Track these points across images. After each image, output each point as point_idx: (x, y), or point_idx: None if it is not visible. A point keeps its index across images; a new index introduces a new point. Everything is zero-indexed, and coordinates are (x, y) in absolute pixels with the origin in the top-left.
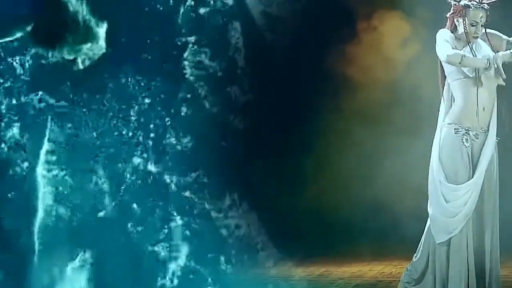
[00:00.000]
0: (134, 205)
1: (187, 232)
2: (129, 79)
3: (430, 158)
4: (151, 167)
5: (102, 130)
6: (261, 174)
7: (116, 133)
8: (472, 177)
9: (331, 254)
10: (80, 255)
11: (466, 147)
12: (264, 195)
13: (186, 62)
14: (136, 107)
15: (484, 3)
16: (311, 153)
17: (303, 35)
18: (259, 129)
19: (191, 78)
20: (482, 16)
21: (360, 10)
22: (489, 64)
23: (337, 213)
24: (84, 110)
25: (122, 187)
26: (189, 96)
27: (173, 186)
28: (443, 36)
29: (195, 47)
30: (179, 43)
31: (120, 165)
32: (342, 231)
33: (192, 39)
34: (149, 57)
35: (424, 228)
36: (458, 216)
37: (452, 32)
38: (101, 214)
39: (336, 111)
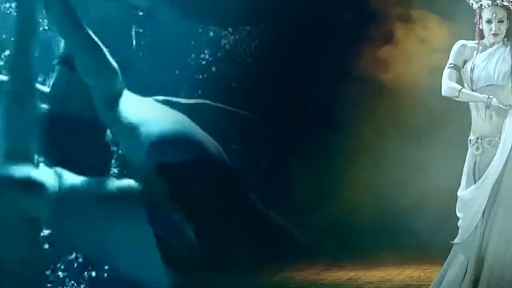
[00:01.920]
0: None
1: None
2: None
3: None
4: None
5: None
6: (290, 179)
7: None
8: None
9: (360, 258)
10: None
11: (475, 155)
12: (293, 201)
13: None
14: None
15: (493, 1)
16: (341, 158)
17: (333, 37)
18: (287, 134)
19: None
20: (496, 13)
21: (396, 11)
22: (490, 102)
23: (366, 218)
24: None
25: None
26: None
27: None
28: (450, 59)
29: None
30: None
31: None
32: (371, 235)
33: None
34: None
35: (452, 232)
36: (466, 223)
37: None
38: None
39: (367, 118)
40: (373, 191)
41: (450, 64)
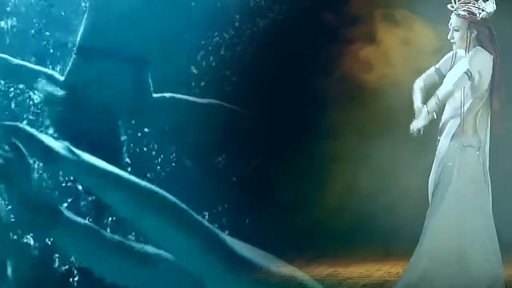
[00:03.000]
0: None
1: None
2: None
3: None
4: None
5: None
6: (270, 176)
7: None
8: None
9: (339, 254)
10: None
11: None
12: (276, 200)
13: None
14: None
15: (454, 10)
16: (323, 159)
17: (315, 38)
18: (268, 134)
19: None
20: (451, 22)
21: (379, 12)
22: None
23: (345, 215)
24: None
25: None
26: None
27: None
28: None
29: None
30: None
31: None
32: (350, 232)
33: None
34: None
35: None
36: None
37: None
38: None
39: (349, 119)
40: (354, 190)
41: (435, 66)
